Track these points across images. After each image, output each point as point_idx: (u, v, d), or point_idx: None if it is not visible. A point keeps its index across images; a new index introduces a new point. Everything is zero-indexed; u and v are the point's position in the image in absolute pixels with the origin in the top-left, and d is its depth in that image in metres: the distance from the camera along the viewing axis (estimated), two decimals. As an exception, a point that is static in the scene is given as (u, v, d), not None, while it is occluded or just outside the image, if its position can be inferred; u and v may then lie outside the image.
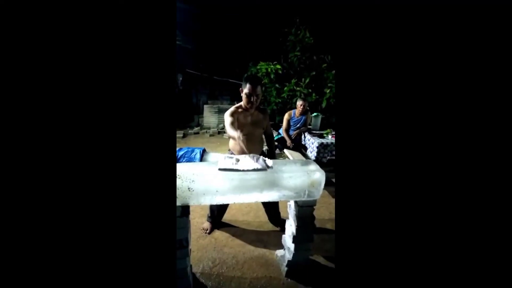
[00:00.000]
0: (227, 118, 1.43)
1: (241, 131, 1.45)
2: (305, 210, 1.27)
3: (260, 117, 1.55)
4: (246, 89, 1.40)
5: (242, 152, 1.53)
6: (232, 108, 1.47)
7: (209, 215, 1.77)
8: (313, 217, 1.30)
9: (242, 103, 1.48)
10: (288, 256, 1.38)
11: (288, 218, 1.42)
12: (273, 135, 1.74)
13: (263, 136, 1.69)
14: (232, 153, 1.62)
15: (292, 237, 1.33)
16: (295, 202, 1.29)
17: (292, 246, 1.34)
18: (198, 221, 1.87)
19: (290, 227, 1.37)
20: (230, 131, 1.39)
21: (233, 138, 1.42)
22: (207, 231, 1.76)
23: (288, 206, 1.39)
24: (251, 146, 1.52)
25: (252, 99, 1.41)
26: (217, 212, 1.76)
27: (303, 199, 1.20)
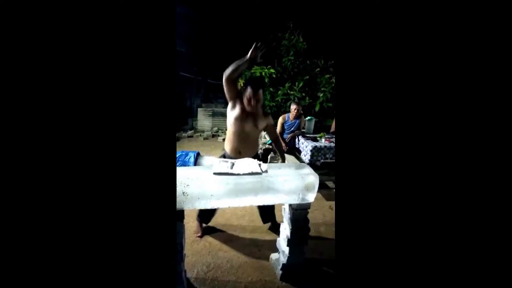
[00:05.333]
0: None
1: (239, 127, 1.47)
2: (299, 213, 1.28)
3: (260, 121, 1.52)
4: (247, 93, 1.41)
5: (234, 150, 1.55)
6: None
7: (198, 213, 1.77)
8: (307, 220, 1.31)
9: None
10: (283, 259, 1.38)
11: (282, 222, 1.42)
12: (278, 139, 1.72)
13: (259, 140, 1.72)
14: (225, 155, 1.63)
15: (286, 240, 1.34)
16: (290, 205, 1.30)
17: (286, 249, 1.34)
18: (192, 225, 1.85)
19: (285, 230, 1.38)
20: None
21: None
22: (199, 234, 1.77)
23: (283, 209, 1.40)
24: (245, 146, 1.54)
25: (252, 103, 1.42)
26: (207, 211, 1.76)
27: (298, 202, 1.21)
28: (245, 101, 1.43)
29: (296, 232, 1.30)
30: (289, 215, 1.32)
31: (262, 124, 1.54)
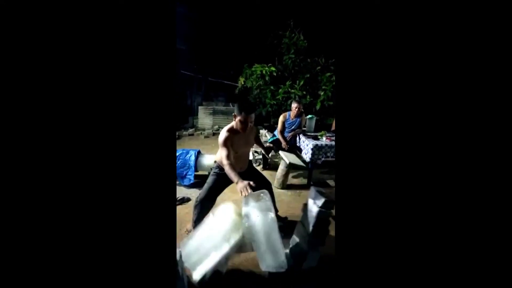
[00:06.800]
0: (223, 148, 1.48)
1: (236, 152, 1.56)
2: (324, 213, 1.25)
3: (251, 135, 1.67)
4: (241, 117, 1.46)
5: (238, 168, 1.58)
6: (225, 133, 1.50)
7: (194, 219, 1.77)
8: (329, 222, 1.29)
9: (235, 125, 1.53)
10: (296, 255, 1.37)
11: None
12: (259, 137, 1.88)
13: (260, 138, 1.83)
14: (218, 166, 1.65)
15: (305, 238, 1.30)
16: (315, 202, 1.27)
17: (305, 247, 1.31)
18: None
19: (304, 228, 1.34)
20: (224, 160, 1.43)
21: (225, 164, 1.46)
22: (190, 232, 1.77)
23: (308, 209, 1.35)
24: (242, 163, 1.66)
25: (248, 126, 1.50)
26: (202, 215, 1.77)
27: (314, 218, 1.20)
28: (239, 124, 1.49)
29: (316, 231, 1.26)
30: (314, 214, 1.27)
31: (252, 137, 1.70)
